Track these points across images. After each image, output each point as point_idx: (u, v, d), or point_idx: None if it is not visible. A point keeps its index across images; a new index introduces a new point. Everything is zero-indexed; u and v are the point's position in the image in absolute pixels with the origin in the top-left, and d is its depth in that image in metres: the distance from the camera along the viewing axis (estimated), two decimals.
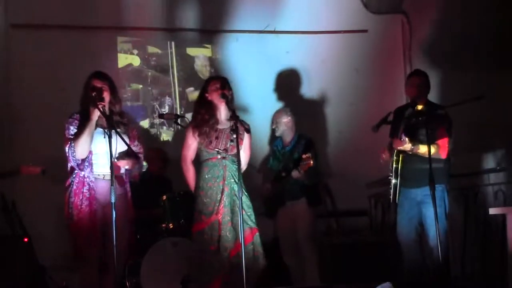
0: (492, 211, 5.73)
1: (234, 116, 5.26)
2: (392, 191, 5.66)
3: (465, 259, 6.82)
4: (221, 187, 5.36)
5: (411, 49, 7.99)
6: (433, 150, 5.44)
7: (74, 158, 5.16)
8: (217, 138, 5.40)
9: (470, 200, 7.00)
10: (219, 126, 5.44)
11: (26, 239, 6.12)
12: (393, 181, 5.64)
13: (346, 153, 7.69)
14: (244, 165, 5.51)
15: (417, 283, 5.69)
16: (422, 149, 5.50)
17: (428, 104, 5.70)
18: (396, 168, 5.61)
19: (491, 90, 6.83)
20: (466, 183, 7.12)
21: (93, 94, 5.15)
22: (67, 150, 5.17)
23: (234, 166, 5.35)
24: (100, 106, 5.09)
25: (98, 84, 5.26)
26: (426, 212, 5.54)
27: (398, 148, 5.55)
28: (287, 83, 7.85)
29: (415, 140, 5.52)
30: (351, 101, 7.89)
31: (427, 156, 5.41)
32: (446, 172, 5.71)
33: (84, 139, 5.14)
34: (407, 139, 5.48)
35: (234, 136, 5.30)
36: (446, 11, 7.64)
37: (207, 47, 7.80)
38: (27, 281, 5.98)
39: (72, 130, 5.20)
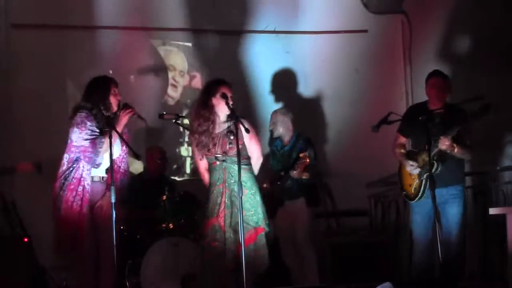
0: (492, 211, 5.73)
1: (234, 117, 5.25)
2: (420, 190, 5.62)
3: (465, 259, 6.81)
4: (221, 190, 5.34)
5: (411, 49, 7.99)
6: (463, 150, 5.54)
7: (98, 154, 5.22)
8: (214, 144, 5.37)
9: (470, 200, 7.00)
10: (216, 131, 5.40)
11: (26, 239, 6.11)
12: (424, 180, 5.60)
13: (346, 153, 7.68)
14: (257, 158, 5.48)
15: (419, 283, 5.68)
16: (460, 149, 5.53)
17: (447, 105, 5.69)
18: (436, 169, 5.55)
19: (492, 91, 6.84)
20: (466, 183, 7.11)
21: (120, 102, 5.34)
22: (96, 144, 5.21)
23: (235, 166, 5.33)
24: (131, 113, 5.30)
25: (116, 88, 5.36)
26: (450, 211, 5.57)
27: (444, 148, 5.51)
28: (286, 83, 7.85)
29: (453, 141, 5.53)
30: (351, 101, 7.89)
31: (459, 156, 5.54)
32: (464, 171, 5.79)
33: (112, 143, 5.20)
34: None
35: (232, 137, 5.29)
36: (446, 11, 7.64)
37: (206, 47, 7.80)
38: (27, 281, 5.97)
39: (91, 125, 5.24)
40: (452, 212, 5.58)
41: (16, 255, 5.99)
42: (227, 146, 5.34)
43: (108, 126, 5.18)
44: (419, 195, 5.64)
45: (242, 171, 5.17)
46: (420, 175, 5.62)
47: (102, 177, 5.35)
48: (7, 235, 6.22)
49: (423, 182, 5.60)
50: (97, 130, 5.24)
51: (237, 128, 5.23)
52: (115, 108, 5.36)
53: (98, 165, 5.29)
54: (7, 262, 5.90)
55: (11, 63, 7.11)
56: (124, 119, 5.31)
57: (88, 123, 5.23)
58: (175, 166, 7.65)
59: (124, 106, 5.35)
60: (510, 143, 7.47)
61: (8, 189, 6.45)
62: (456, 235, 5.58)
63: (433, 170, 5.51)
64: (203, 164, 5.50)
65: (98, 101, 5.31)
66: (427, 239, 5.71)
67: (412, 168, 5.66)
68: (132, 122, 5.49)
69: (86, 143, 5.20)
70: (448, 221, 5.59)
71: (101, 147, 5.23)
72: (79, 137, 5.22)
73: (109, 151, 5.16)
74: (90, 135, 5.22)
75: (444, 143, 5.47)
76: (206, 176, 5.51)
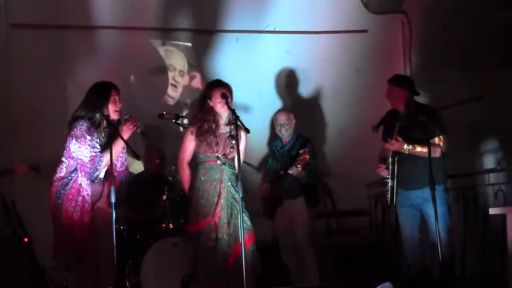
0: (492, 211, 5.74)
1: (235, 117, 5.25)
2: (389, 193, 5.66)
3: (465, 259, 6.82)
4: (218, 190, 5.35)
5: (411, 49, 7.99)
6: (426, 149, 5.47)
7: (96, 170, 5.18)
8: (217, 143, 5.38)
9: (470, 200, 7.00)
10: (220, 131, 5.42)
11: (26, 239, 6.12)
12: (390, 183, 5.64)
13: (346, 153, 7.68)
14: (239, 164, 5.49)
15: (419, 283, 5.69)
16: (418, 148, 5.54)
17: (412, 106, 5.69)
18: (393, 170, 5.61)
19: (491, 90, 6.84)
20: (466, 183, 7.12)
21: (126, 117, 5.25)
22: (96, 162, 5.16)
23: (231, 169, 5.36)
24: (134, 126, 5.20)
25: (117, 96, 5.29)
26: (429, 211, 5.53)
27: (394, 149, 5.56)
28: (286, 83, 7.86)
29: (409, 141, 5.55)
30: (351, 101, 7.90)
31: (422, 155, 5.48)
32: (443, 172, 5.73)
33: (113, 155, 5.16)
34: (400, 139, 5.52)
35: (234, 142, 5.30)
36: (446, 11, 7.64)
37: (206, 47, 7.80)
38: (27, 281, 5.98)
39: (91, 139, 5.17)
40: (432, 213, 5.53)
41: (16, 255, 5.99)
42: (228, 149, 5.36)
43: (113, 132, 5.16)
44: (390, 198, 5.66)
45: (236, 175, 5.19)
46: (388, 178, 5.66)
47: (100, 178, 5.34)
48: (7, 235, 6.22)
49: (389, 185, 5.64)
50: (98, 147, 5.18)
51: (237, 131, 5.25)
52: (113, 116, 5.28)
53: (95, 178, 5.26)
54: (7, 262, 5.91)
55: (10, 63, 7.11)
56: (126, 133, 5.23)
57: (88, 137, 5.16)
58: (175, 166, 7.65)
59: (127, 119, 5.25)
60: (510, 143, 7.47)
61: (8, 189, 6.45)
62: (442, 236, 5.55)
63: (391, 172, 5.58)
64: (188, 155, 5.46)
65: (96, 109, 5.23)
66: (416, 239, 5.73)
67: (383, 172, 5.70)
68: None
69: (85, 159, 5.15)
70: (430, 223, 5.59)
71: (100, 165, 5.18)
72: (78, 151, 5.16)
73: (108, 158, 5.17)
74: (90, 151, 5.16)
75: (391, 144, 5.51)
76: (187, 171, 5.48)
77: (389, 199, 5.68)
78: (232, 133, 5.33)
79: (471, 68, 7.44)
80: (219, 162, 5.37)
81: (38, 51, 7.13)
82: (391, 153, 5.62)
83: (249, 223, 5.36)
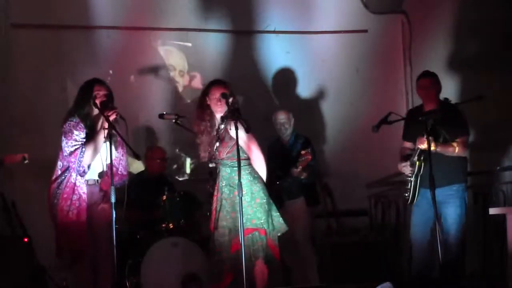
0: (492, 211, 5.74)
1: (233, 116, 5.24)
2: (410, 191, 5.63)
3: (465, 259, 6.81)
4: (214, 193, 5.40)
5: (411, 49, 7.99)
6: (450, 148, 5.50)
7: (80, 164, 5.16)
8: (212, 146, 5.40)
9: (470, 200, 7.00)
10: (213, 132, 5.42)
11: (26, 239, 6.11)
12: (413, 181, 5.61)
13: (346, 152, 7.69)
14: (260, 163, 5.43)
15: (419, 283, 5.69)
16: (443, 147, 5.52)
17: (441, 104, 5.70)
18: (419, 168, 5.57)
19: (491, 90, 6.84)
20: (466, 182, 7.11)
21: (102, 101, 5.20)
22: (78, 154, 5.15)
23: (229, 169, 5.34)
24: (114, 114, 5.14)
25: (103, 91, 5.27)
26: (447, 211, 5.55)
27: (423, 147, 5.52)
28: (286, 83, 7.86)
29: (436, 139, 5.53)
30: (351, 101, 7.90)
31: (448, 154, 5.52)
32: (464, 170, 5.74)
33: (96, 147, 5.17)
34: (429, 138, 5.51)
35: (226, 139, 5.30)
36: (445, 11, 7.65)
37: (206, 47, 7.79)
38: (27, 281, 5.98)
39: (78, 134, 5.18)
40: (449, 213, 5.55)
41: (16, 255, 5.99)
42: (220, 148, 5.35)
43: (109, 127, 5.15)
44: (411, 196, 5.64)
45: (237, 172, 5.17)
46: (411, 176, 5.64)
47: (97, 180, 5.34)
48: (7, 235, 6.22)
49: (412, 184, 5.61)
50: (81, 140, 5.17)
51: (237, 127, 5.23)
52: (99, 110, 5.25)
53: (83, 174, 5.24)
54: (7, 262, 5.91)
55: (11, 63, 7.11)
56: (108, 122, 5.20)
57: (75, 132, 5.17)
58: (175, 166, 7.65)
59: (106, 106, 5.21)
60: (510, 143, 7.48)
61: (8, 189, 6.45)
62: (454, 235, 5.56)
63: (417, 170, 5.55)
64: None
65: (83, 105, 5.26)
66: (425, 240, 5.71)
67: (405, 169, 5.68)
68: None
69: (68, 154, 5.17)
70: (446, 222, 5.60)
71: (82, 157, 5.17)
72: (65, 146, 5.18)
73: (93, 157, 5.21)
74: (73, 146, 5.16)
75: (421, 142, 5.50)
76: None
77: (410, 197, 5.65)
78: (222, 131, 5.34)
79: (472, 67, 7.44)
80: (214, 165, 5.39)
81: (38, 51, 7.13)
82: (418, 151, 5.57)
83: (251, 218, 5.35)
